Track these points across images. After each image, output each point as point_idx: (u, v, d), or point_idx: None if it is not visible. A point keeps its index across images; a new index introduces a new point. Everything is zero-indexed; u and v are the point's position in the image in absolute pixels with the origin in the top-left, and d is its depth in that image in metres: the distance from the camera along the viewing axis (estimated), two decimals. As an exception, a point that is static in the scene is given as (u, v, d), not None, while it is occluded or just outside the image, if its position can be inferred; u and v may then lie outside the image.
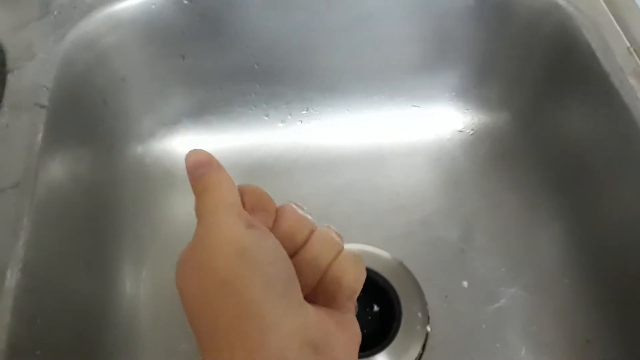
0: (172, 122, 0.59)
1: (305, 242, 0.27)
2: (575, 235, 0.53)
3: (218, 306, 0.23)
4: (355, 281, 0.27)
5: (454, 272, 0.53)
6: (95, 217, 0.48)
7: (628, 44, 0.49)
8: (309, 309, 0.24)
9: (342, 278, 0.26)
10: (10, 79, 0.44)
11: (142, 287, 0.50)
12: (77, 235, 0.44)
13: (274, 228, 0.27)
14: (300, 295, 0.24)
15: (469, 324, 0.50)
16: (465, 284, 0.52)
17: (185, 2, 0.51)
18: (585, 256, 0.51)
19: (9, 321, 0.33)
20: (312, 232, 0.27)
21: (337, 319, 0.26)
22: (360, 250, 0.53)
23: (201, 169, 0.27)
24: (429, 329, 0.49)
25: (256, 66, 0.57)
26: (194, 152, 0.27)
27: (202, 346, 0.23)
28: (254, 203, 0.27)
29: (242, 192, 0.27)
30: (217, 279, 0.23)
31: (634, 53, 0.48)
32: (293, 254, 0.26)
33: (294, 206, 0.28)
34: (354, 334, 0.27)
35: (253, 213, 0.26)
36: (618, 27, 0.50)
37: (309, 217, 0.28)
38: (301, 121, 0.61)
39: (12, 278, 0.35)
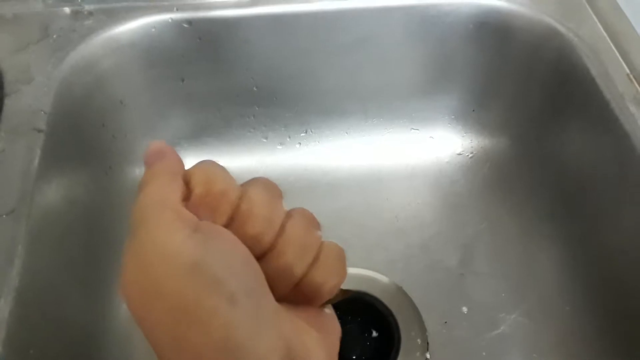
0: (171, 144, 0.57)
1: (274, 244, 0.22)
2: (575, 261, 0.53)
3: (179, 336, 0.19)
4: (338, 284, 0.24)
5: (453, 298, 0.52)
6: (91, 242, 0.47)
7: (628, 71, 0.49)
8: (284, 315, 0.21)
9: (323, 285, 0.23)
10: (8, 102, 0.44)
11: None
12: (72, 261, 0.43)
13: (233, 223, 0.22)
14: (272, 301, 0.21)
15: (469, 350, 0.49)
16: (465, 309, 0.52)
17: (185, 25, 0.51)
18: (586, 282, 0.51)
19: (1, 352, 0.33)
20: (282, 228, 0.22)
21: (315, 320, 0.23)
22: (360, 274, 0.53)
23: (152, 159, 0.23)
24: (428, 355, 0.48)
25: (255, 88, 0.57)
26: (150, 144, 0.24)
27: None
28: (203, 193, 0.22)
29: (188, 178, 0.22)
30: (170, 305, 0.19)
31: (633, 80, 0.48)
32: (260, 256, 0.22)
33: (261, 186, 0.23)
34: (333, 333, 0.24)
35: (202, 206, 0.22)
36: (618, 54, 0.50)
37: (279, 203, 0.23)
38: (300, 143, 0.61)
39: (5, 308, 0.34)
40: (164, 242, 0.20)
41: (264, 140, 0.61)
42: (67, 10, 0.51)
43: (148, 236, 0.20)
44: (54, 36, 0.49)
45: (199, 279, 0.19)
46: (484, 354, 0.49)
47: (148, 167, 0.23)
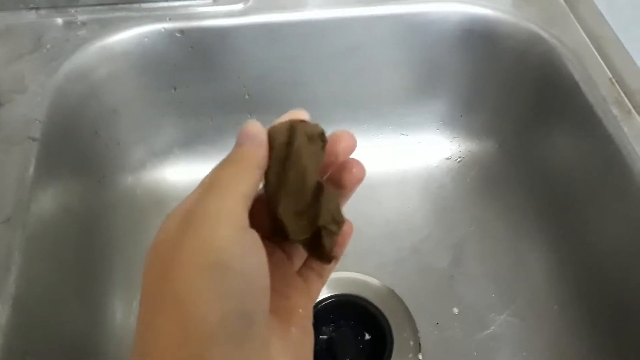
0: (164, 152, 0.59)
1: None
2: (563, 261, 0.53)
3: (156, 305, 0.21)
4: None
5: (444, 299, 0.53)
6: (86, 249, 0.47)
7: (610, 75, 0.50)
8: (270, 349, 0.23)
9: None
10: (3, 112, 0.44)
11: (132, 318, 0.50)
12: (68, 268, 0.44)
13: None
14: (262, 332, 0.23)
15: (460, 351, 0.50)
16: (455, 310, 0.52)
17: (177, 35, 0.51)
18: (574, 281, 0.52)
19: (-1, 358, 0.33)
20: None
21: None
22: (352, 278, 0.53)
23: (244, 139, 0.25)
24: (420, 356, 0.49)
25: (247, 96, 0.57)
26: (248, 123, 0.26)
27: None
28: None
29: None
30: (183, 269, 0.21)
31: (615, 83, 0.49)
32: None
33: None
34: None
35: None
36: (600, 59, 0.51)
37: None
38: (292, 150, 0.62)
39: (2, 315, 0.34)
40: (211, 224, 0.22)
41: (256, 146, 0.61)
42: (60, 20, 0.51)
43: (202, 205, 0.22)
44: (48, 46, 0.49)
45: (216, 275, 0.21)
46: (475, 353, 0.50)
47: (238, 146, 0.25)
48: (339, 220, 0.26)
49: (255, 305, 0.22)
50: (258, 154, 0.25)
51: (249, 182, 0.24)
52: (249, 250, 0.22)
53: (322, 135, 0.26)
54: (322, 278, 0.30)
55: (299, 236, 0.26)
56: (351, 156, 0.29)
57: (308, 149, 0.25)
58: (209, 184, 0.23)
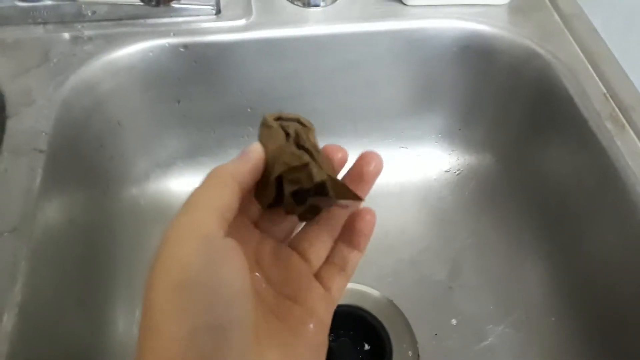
0: (167, 164, 0.60)
1: None
2: (560, 273, 0.54)
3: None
4: None
5: (443, 310, 0.53)
6: (90, 259, 0.48)
7: (604, 90, 0.51)
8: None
9: None
10: (10, 124, 0.45)
11: (135, 327, 0.51)
12: (73, 278, 0.44)
13: None
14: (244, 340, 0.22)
15: (458, 362, 0.50)
16: (454, 322, 0.53)
17: (181, 49, 0.52)
18: (570, 293, 0.53)
19: (5, 366, 0.34)
20: None
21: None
22: (351, 289, 0.54)
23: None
24: (419, 367, 0.49)
25: (249, 109, 0.58)
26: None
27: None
28: None
29: None
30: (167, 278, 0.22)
31: (609, 98, 0.50)
32: None
33: None
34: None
35: None
36: (594, 74, 0.52)
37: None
38: (292, 162, 0.62)
39: (8, 322, 0.35)
40: (178, 241, 0.22)
41: (258, 159, 0.62)
42: (66, 35, 0.52)
43: (173, 224, 0.23)
44: (54, 60, 0.50)
45: (182, 293, 0.21)
46: (473, 364, 0.50)
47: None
48: (299, 155, 0.26)
49: (228, 316, 0.21)
50: (238, 168, 0.25)
51: (222, 195, 0.24)
52: (219, 259, 0.22)
53: (264, 122, 0.28)
54: (346, 272, 0.29)
55: (265, 204, 0.27)
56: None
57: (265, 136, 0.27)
58: (185, 204, 0.24)
